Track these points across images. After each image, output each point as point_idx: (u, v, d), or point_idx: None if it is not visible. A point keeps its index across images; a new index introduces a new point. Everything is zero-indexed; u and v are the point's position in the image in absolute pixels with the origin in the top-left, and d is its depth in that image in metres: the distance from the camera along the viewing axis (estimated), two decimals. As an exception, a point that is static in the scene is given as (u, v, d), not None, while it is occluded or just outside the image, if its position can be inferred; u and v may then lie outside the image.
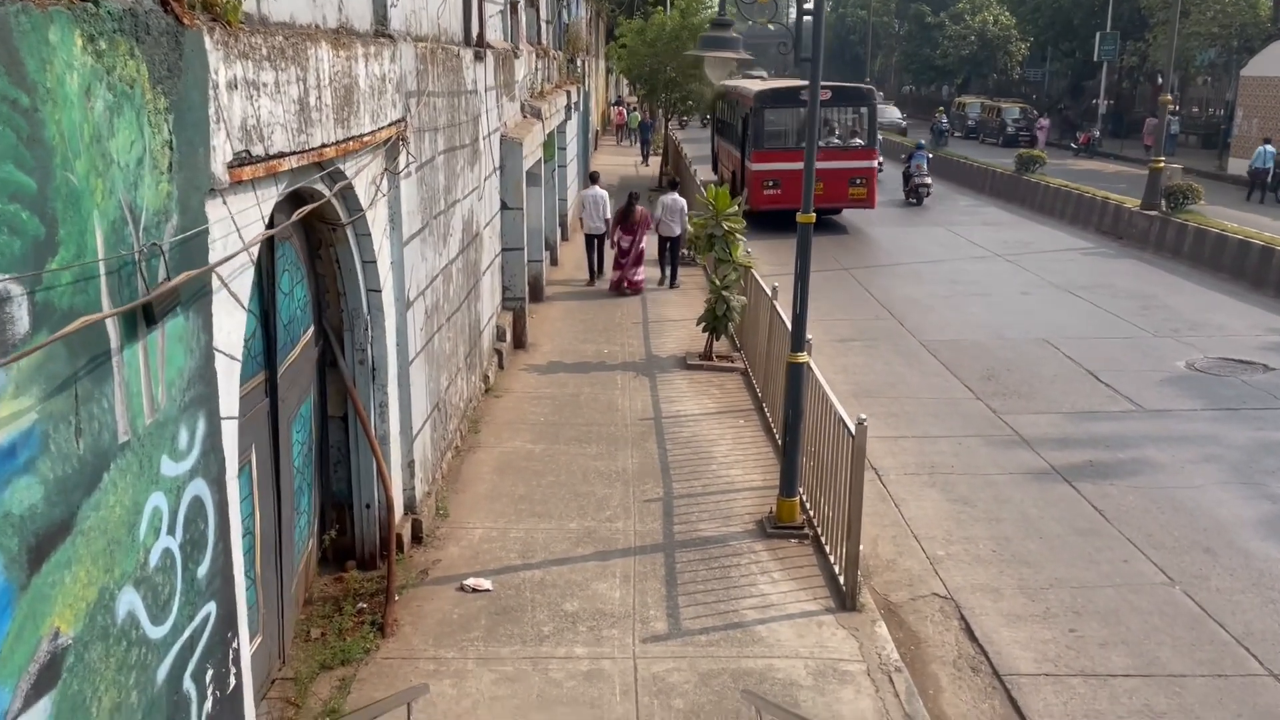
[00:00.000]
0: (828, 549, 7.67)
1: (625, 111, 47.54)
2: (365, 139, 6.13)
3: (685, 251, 17.69)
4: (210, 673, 3.95)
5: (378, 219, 6.87)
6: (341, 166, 5.93)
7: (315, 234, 6.56)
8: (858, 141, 23.10)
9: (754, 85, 25.78)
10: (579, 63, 25.63)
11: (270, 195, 4.79)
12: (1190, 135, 42.09)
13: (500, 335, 12.64)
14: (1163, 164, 22.04)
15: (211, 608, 3.95)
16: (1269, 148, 27.43)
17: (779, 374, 9.47)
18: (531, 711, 5.83)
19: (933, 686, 6.44)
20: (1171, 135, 36.22)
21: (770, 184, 22.16)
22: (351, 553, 7.37)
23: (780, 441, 8.98)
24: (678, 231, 16.92)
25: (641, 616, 6.83)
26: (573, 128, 22.71)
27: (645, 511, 8.43)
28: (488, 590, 7.14)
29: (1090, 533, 8.42)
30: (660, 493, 8.82)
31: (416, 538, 7.79)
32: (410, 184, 7.52)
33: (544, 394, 11.47)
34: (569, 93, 20.70)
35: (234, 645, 4.17)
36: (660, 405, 11.14)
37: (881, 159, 26.50)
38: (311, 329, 6.70)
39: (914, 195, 27.72)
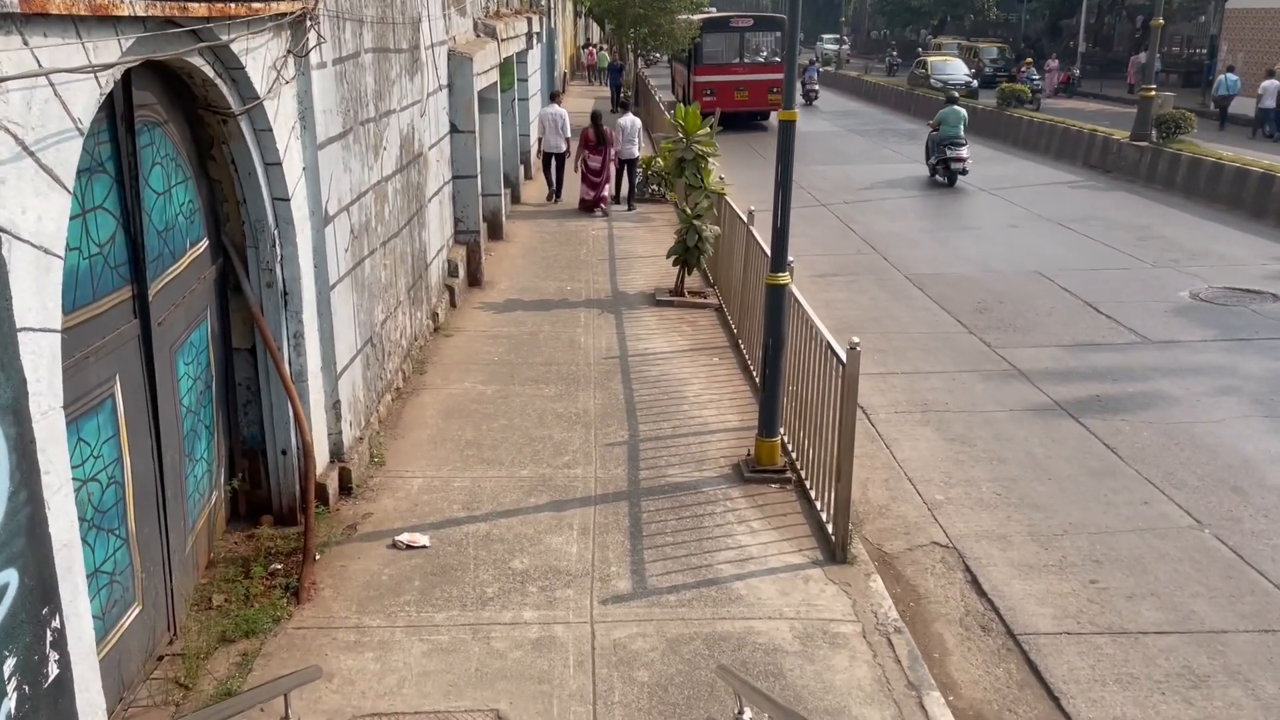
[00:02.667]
0: (813, 494, 6.77)
1: (595, 52, 46.57)
2: (255, 6, 5.03)
3: (656, 188, 17.47)
4: (12, 662, 2.97)
5: (282, 113, 5.80)
6: (224, 38, 4.86)
7: (205, 128, 5.49)
8: (776, 59, 28.65)
9: (698, 17, 31.99)
10: (542, -6, 24.45)
11: (109, 48, 3.73)
12: (1171, 74, 41.00)
13: (452, 270, 11.57)
14: (1154, 93, 21.03)
15: (10, 577, 2.96)
16: (1231, 75, 28.08)
17: (756, 306, 8.53)
18: (468, 688, 4.91)
19: (938, 649, 5.57)
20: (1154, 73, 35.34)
21: (708, 92, 27.77)
22: (268, 506, 6.38)
23: (758, 378, 8.04)
24: (635, 153, 17.25)
25: (601, 574, 5.91)
26: (535, 59, 21.40)
27: (608, 456, 7.50)
28: (424, 547, 6.18)
29: (1104, 473, 7.56)
30: (625, 436, 7.88)
31: (345, 489, 6.80)
32: (327, 77, 6.43)
33: (500, 332, 10.46)
34: (530, 20, 19.42)
35: (53, 624, 3.19)
36: (627, 343, 10.16)
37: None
38: (205, 243, 5.64)
39: (804, 98, 36.08)
